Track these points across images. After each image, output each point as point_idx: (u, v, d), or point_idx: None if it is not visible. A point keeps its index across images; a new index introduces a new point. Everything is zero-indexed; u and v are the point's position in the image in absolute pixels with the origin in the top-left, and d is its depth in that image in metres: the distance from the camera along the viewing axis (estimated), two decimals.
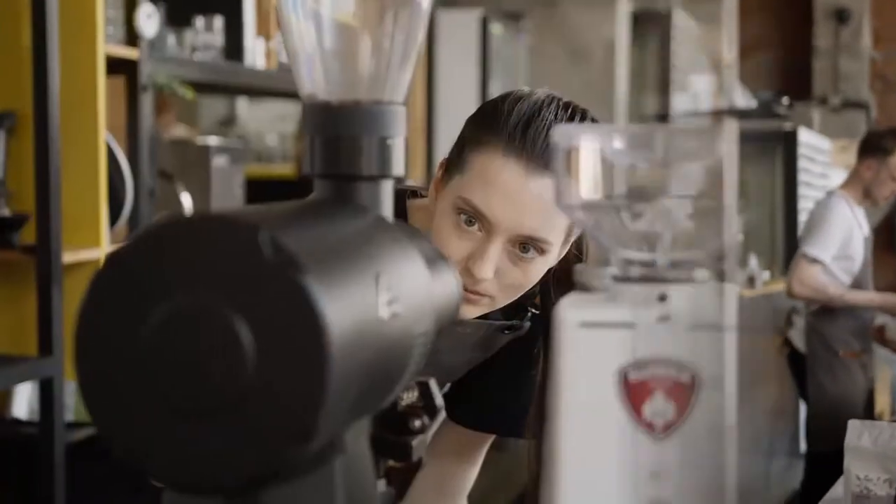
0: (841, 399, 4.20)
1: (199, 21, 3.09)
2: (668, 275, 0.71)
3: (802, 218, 6.83)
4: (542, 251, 1.28)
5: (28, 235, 2.45)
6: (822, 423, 4.20)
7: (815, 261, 4.09)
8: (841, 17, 9.04)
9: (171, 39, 2.99)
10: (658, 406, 0.69)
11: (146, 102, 2.73)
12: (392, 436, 0.84)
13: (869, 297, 4.29)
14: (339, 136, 0.80)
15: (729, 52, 5.65)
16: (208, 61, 3.06)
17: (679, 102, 7.02)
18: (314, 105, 0.81)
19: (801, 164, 6.58)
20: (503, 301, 1.31)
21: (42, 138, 2.41)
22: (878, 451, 1.89)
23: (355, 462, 0.74)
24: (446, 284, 0.87)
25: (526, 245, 1.27)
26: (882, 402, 6.90)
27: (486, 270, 1.26)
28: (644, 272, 0.72)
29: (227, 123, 6.27)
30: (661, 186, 0.73)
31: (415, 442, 0.84)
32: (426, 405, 0.92)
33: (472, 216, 1.26)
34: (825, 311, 4.31)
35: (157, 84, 2.77)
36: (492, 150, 1.25)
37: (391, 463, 0.95)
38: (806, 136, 6.77)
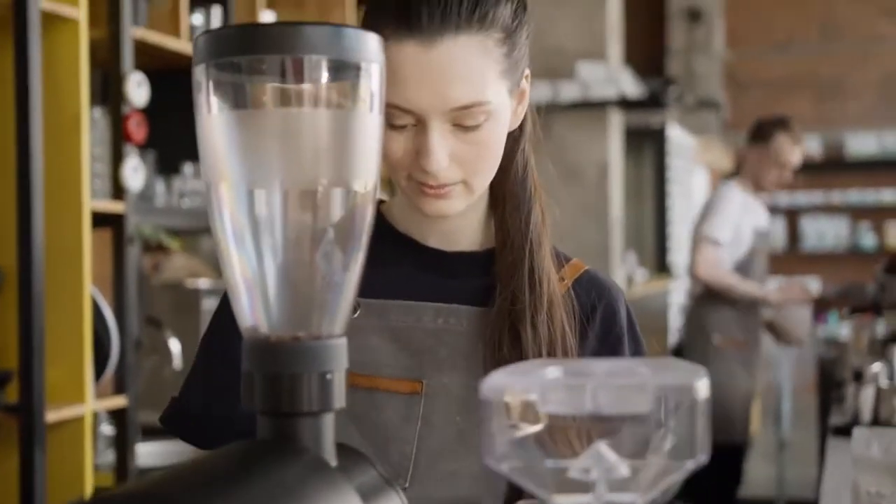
0: (715, 392, 4.05)
1: (188, 167, 3.12)
2: None
3: (671, 215, 7.01)
4: (486, 115, 1.17)
5: (11, 393, 2.44)
6: None
7: (716, 242, 4.14)
8: (693, 17, 9.21)
9: (159, 187, 3.02)
10: None
11: (132, 254, 2.74)
12: None
13: (761, 291, 4.24)
14: (278, 374, 0.80)
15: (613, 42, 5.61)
16: (195, 208, 3.08)
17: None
18: (254, 340, 0.81)
19: (669, 160, 6.73)
20: (479, 183, 1.21)
21: (26, 295, 2.42)
22: (890, 461, 1.73)
23: None
24: None
25: (464, 125, 1.16)
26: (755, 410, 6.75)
27: (437, 160, 1.16)
28: None
29: None
30: (595, 433, 0.72)
31: None
32: None
33: (395, 117, 1.16)
34: (708, 297, 4.25)
35: (142, 235, 2.79)
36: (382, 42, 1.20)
37: None
38: (674, 133, 6.89)
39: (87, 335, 2.55)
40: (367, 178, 0.82)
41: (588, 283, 1.32)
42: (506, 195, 1.31)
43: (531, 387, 0.71)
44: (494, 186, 1.30)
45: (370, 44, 0.81)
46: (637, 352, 1.32)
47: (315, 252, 0.82)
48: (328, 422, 0.81)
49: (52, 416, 2.46)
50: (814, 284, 9.59)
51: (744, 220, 4.19)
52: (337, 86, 0.81)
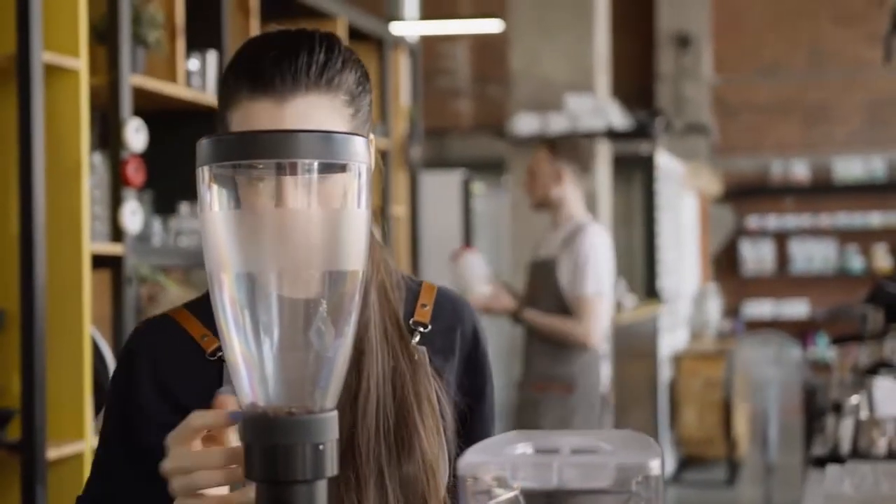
0: None
1: (184, 207, 3.20)
2: None
3: (661, 241, 7.09)
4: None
5: (13, 431, 2.52)
6: None
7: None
8: (682, 42, 9.33)
9: (157, 226, 3.10)
10: None
11: (130, 295, 2.82)
12: None
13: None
14: (275, 445, 0.87)
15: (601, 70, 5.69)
16: (192, 247, 3.16)
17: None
18: (253, 415, 0.89)
19: (658, 186, 6.83)
20: None
21: (28, 336, 2.50)
22: (862, 498, 1.77)
23: None
24: None
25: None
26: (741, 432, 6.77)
27: None
28: None
29: None
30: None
31: None
32: None
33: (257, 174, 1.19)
34: None
35: (140, 276, 2.87)
36: (239, 100, 1.22)
37: None
38: (663, 160, 7.00)
39: (86, 374, 2.62)
40: (356, 262, 0.90)
41: (445, 304, 1.39)
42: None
43: (503, 464, 0.79)
44: None
45: (357, 146, 0.89)
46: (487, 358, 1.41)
47: (308, 332, 0.90)
48: (321, 488, 0.89)
49: (52, 453, 2.53)
50: (802, 307, 9.73)
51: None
52: (327, 184, 0.90)
